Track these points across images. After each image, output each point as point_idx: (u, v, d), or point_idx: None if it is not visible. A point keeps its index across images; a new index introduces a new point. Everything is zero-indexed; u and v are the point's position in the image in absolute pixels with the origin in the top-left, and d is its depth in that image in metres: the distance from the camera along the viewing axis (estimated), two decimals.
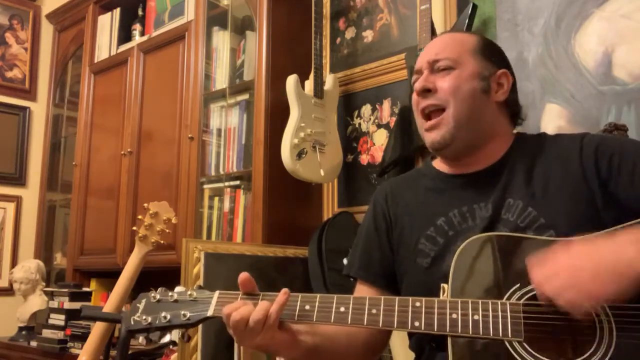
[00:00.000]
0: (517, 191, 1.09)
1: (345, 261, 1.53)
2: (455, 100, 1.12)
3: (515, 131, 1.23)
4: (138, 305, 1.08)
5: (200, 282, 1.83)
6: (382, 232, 1.23)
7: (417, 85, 1.16)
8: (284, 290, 1.01)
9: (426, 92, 1.15)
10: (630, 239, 0.89)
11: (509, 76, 1.18)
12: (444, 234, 1.12)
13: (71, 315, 2.66)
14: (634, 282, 0.85)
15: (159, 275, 2.22)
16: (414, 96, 1.19)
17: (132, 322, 1.06)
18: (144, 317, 1.05)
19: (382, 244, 1.23)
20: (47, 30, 3.73)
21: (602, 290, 0.85)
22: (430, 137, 1.16)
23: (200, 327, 1.74)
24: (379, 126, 2.30)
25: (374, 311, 0.98)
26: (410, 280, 1.15)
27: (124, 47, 3.05)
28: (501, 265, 0.98)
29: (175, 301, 1.06)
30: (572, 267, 0.87)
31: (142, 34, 3.03)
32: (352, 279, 1.28)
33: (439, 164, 1.24)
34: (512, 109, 1.20)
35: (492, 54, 1.19)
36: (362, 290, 1.23)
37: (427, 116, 1.16)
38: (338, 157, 2.26)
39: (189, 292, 1.07)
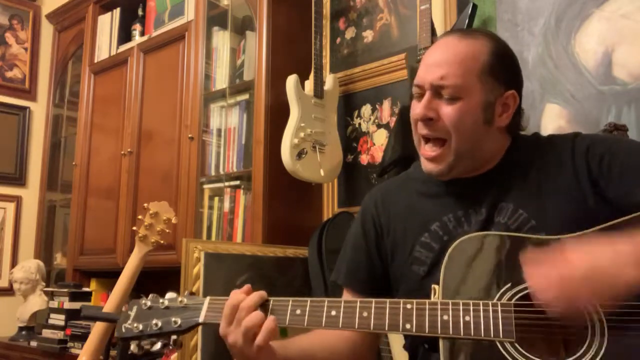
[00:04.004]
0: (510, 194, 1.09)
1: None
2: (457, 134, 1.07)
3: None
4: (129, 312, 1.07)
5: (200, 282, 1.83)
6: (370, 240, 1.22)
7: (419, 113, 1.09)
8: (271, 317, 0.99)
9: (428, 120, 1.09)
10: (630, 255, 0.86)
11: (516, 98, 1.11)
12: (439, 239, 1.11)
13: (71, 315, 2.66)
14: (628, 299, 0.85)
15: (159, 275, 2.23)
16: (413, 116, 1.13)
17: (124, 330, 1.05)
18: (135, 325, 1.05)
19: (370, 252, 1.21)
20: (47, 30, 3.73)
21: (598, 305, 0.85)
22: (428, 167, 1.12)
23: (200, 327, 1.74)
24: (379, 126, 2.29)
25: (365, 314, 0.97)
26: (407, 288, 1.14)
27: (124, 47, 3.04)
28: (492, 266, 0.98)
29: (167, 308, 1.06)
30: (568, 279, 0.85)
31: (142, 34, 3.03)
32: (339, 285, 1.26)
33: None
34: (514, 128, 1.15)
35: (503, 72, 1.10)
36: (349, 298, 1.22)
37: (427, 140, 1.12)
38: (338, 157, 2.26)
39: (179, 299, 1.06)
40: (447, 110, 1.07)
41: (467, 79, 1.07)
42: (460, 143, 1.08)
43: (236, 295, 1.02)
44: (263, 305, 1.02)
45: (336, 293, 1.27)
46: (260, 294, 1.02)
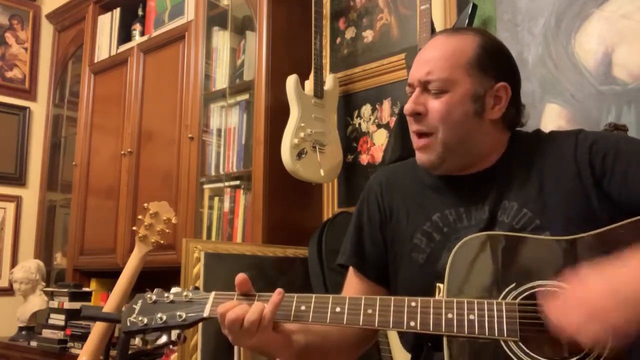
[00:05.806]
0: (513, 193, 1.08)
1: None
2: (444, 126, 1.08)
3: None
4: (134, 306, 1.08)
5: (200, 282, 1.83)
6: (374, 223, 1.22)
7: (407, 108, 1.11)
8: (279, 290, 1.01)
9: (416, 115, 1.11)
10: None
11: (507, 89, 1.11)
12: (439, 230, 1.11)
13: (71, 315, 2.66)
14: None
15: (159, 275, 2.23)
16: (404, 112, 1.15)
17: (128, 324, 1.06)
18: (140, 318, 1.05)
19: (374, 236, 1.21)
20: (47, 30, 3.73)
21: (624, 322, 0.83)
22: (420, 158, 1.14)
23: (200, 326, 1.74)
24: (379, 126, 2.30)
25: (369, 311, 0.98)
26: (405, 275, 1.15)
27: (124, 47, 3.05)
28: (497, 265, 0.98)
29: (171, 302, 1.07)
30: (590, 302, 0.85)
31: (142, 34, 3.03)
32: (343, 268, 1.26)
33: None
34: (510, 121, 1.15)
35: (492, 64, 1.10)
36: (353, 281, 1.22)
37: (419, 135, 1.13)
38: (338, 157, 2.26)
39: (184, 293, 1.07)
40: (435, 104, 1.09)
41: (453, 72, 1.08)
42: (448, 135, 1.09)
43: (235, 311, 0.99)
44: None
45: (337, 289, 1.27)
46: (258, 310, 0.99)
